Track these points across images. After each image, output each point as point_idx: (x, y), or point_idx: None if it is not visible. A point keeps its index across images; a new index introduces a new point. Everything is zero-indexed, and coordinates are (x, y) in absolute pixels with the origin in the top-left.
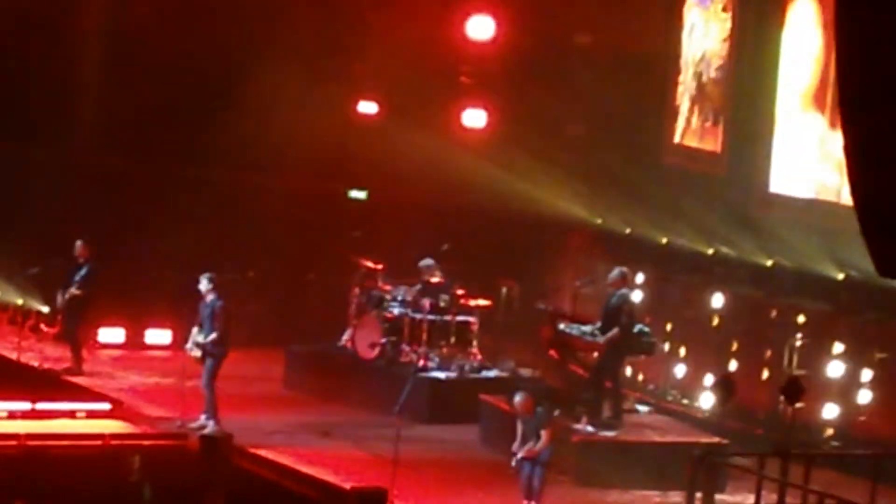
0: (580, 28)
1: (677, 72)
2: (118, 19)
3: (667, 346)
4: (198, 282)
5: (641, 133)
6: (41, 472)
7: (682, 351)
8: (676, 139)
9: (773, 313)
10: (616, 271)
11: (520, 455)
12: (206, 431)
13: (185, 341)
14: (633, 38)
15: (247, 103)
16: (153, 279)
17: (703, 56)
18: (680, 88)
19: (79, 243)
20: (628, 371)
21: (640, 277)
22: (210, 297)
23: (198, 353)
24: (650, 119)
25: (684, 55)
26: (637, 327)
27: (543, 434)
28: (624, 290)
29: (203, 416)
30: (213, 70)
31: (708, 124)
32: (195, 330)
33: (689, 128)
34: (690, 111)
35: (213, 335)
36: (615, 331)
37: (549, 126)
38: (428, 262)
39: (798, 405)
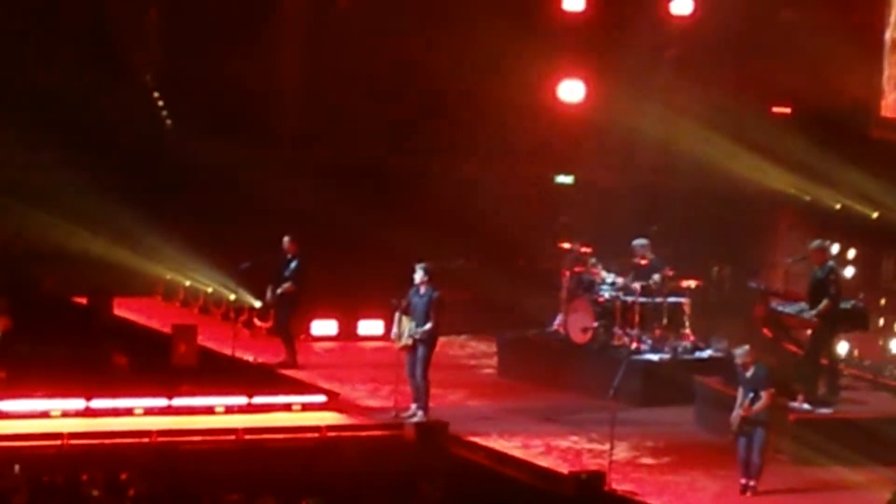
0: (786, 4)
1: (882, 43)
2: (318, 14)
3: (881, 321)
4: (412, 271)
5: (849, 107)
6: (259, 465)
7: None
8: (884, 112)
9: None
10: (816, 244)
11: (738, 415)
12: (415, 419)
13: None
14: (837, 12)
15: (454, 92)
16: (364, 270)
17: None
18: (886, 61)
19: (286, 238)
20: (844, 347)
21: (851, 253)
22: (425, 288)
23: (408, 341)
24: (857, 92)
25: (892, 24)
26: (850, 303)
27: (763, 394)
28: (829, 263)
29: (413, 406)
30: (416, 62)
31: None
32: (399, 316)
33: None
34: None
35: (429, 325)
36: (825, 302)
37: (755, 104)
38: (641, 241)
39: None
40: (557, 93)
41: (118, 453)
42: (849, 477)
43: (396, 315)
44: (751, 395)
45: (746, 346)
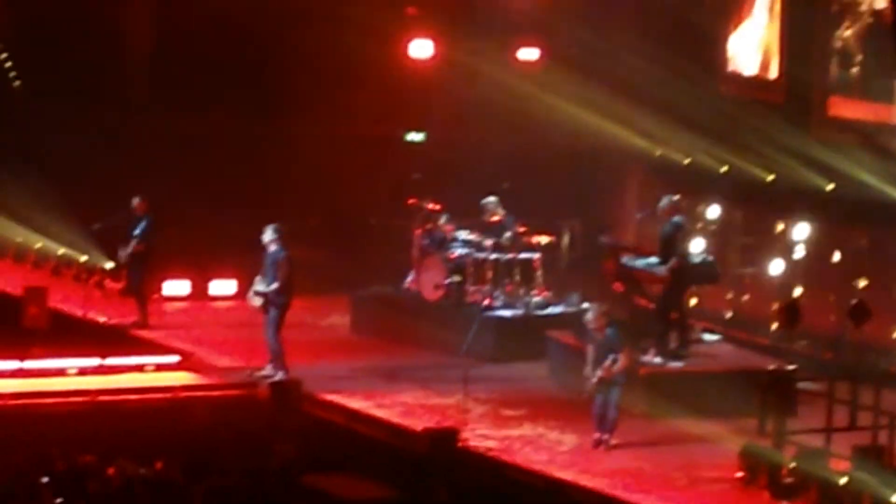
0: None
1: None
2: None
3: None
4: (262, 232)
5: (696, 62)
6: (112, 426)
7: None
8: (731, 67)
9: (836, 237)
10: (665, 200)
11: (595, 377)
12: (274, 380)
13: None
14: None
15: (301, 52)
16: (215, 230)
17: None
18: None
19: (136, 198)
20: (693, 300)
21: (713, 210)
22: (273, 248)
23: (258, 301)
24: (705, 47)
25: None
26: (700, 257)
27: (620, 356)
28: (676, 218)
29: (269, 366)
30: (266, 21)
31: (765, 51)
32: (257, 279)
33: (749, 56)
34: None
35: (275, 285)
36: (674, 260)
37: (603, 59)
38: (490, 199)
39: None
40: (408, 51)
41: None
42: (700, 429)
43: (256, 279)
44: (610, 356)
45: (596, 308)
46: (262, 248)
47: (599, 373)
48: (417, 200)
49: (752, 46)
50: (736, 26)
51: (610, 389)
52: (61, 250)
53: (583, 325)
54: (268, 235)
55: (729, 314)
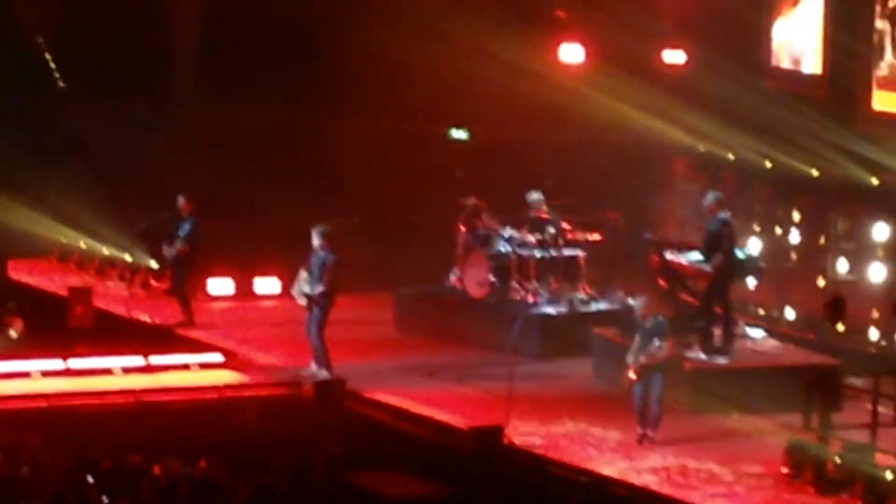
0: None
1: None
2: None
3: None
4: (307, 232)
5: (740, 57)
6: (157, 425)
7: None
8: (774, 62)
9: (882, 231)
10: (710, 196)
11: (639, 362)
12: (318, 379)
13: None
14: None
15: (347, 47)
16: (259, 228)
17: None
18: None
19: (181, 198)
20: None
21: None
22: (322, 251)
23: (303, 301)
24: (748, 44)
25: None
26: (745, 252)
27: (666, 343)
28: (721, 215)
29: (313, 364)
30: (313, 14)
31: (809, 45)
32: (303, 276)
33: (795, 46)
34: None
35: (320, 288)
36: (719, 256)
37: (646, 55)
38: (535, 195)
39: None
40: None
41: (15, 416)
42: (744, 425)
43: (301, 272)
44: (655, 341)
45: (645, 297)
46: (307, 245)
47: (643, 359)
48: (461, 197)
49: (798, 36)
50: (779, 14)
51: (651, 378)
52: (106, 250)
53: (628, 322)
54: (315, 239)
55: (774, 310)
